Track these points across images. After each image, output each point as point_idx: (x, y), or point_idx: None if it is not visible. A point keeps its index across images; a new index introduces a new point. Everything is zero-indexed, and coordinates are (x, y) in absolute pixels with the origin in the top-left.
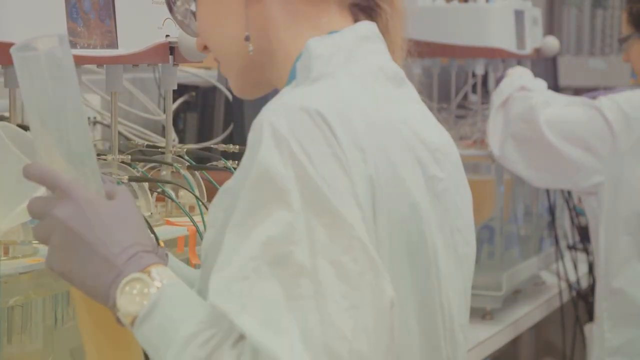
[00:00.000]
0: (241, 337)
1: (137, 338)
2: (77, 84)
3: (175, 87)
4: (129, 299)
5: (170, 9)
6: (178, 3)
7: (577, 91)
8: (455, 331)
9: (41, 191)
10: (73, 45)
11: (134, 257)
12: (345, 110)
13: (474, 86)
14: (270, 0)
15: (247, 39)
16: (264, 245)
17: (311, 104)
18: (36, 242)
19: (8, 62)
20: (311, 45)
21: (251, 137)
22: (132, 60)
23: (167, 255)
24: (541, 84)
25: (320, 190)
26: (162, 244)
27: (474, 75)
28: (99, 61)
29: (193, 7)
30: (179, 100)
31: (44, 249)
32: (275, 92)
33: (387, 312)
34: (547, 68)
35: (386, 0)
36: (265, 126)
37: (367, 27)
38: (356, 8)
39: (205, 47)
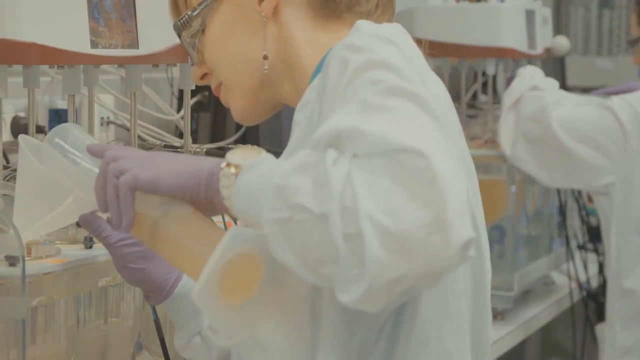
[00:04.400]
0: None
1: (237, 189)
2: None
3: (194, 87)
4: (240, 155)
5: (180, 37)
6: (184, 34)
7: (585, 91)
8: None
9: (65, 203)
10: (95, 45)
11: None
12: (408, 49)
13: (484, 86)
14: (287, 19)
15: (265, 57)
16: (360, 102)
17: (379, 32)
18: (59, 242)
19: (30, 62)
20: (361, 24)
21: (332, 64)
22: (152, 60)
23: None
24: (553, 83)
25: (410, 79)
26: None
27: (483, 74)
28: (120, 61)
29: (196, 38)
30: (192, 100)
31: (66, 249)
32: (286, 110)
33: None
34: (554, 68)
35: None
36: (345, 50)
37: (401, 25)
38: None
39: (203, 77)
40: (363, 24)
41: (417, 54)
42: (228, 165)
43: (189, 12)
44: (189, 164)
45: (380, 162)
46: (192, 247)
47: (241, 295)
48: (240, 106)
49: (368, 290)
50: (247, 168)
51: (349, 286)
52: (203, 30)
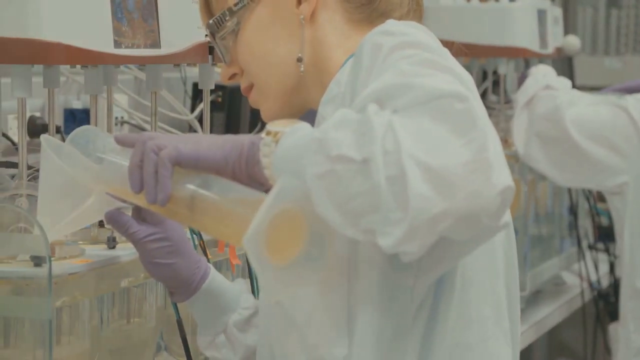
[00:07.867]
0: None
1: (277, 154)
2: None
3: (213, 87)
4: (280, 124)
5: (213, 37)
6: (218, 35)
7: (593, 90)
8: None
9: (89, 202)
10: (118, 44)
11: None
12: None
13: (494, 85)
14: (323, 23)
15: (299, 60)
16: (395, 71)
17: (409, 23)
18: (82, 242)
19: (55, 61)
20: (390, 21)
21: (365, 50)
22: (174, 60)
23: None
24: (566, 82)
25: (443, 57)
26: (209, 255)
27: (494, 73)
28: (143, 61)
29: (229, 39)
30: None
31: (89, 249)
32: (309, 114)
33: None
34: (563, 67)
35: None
36: (377, 35)
37: None
38: None
39: (232, 77)
40: (392, 21)
41: (445, 49)
42: (268, 133)
43: (225, 12)
44: (228, 137)
45: (421, 109)
46: (235, 212)
47: (284, 256)
48: (271, 108)
49: (409, 229)
50: (287, 134)
51: (390, 229)
52: (237, 31)
